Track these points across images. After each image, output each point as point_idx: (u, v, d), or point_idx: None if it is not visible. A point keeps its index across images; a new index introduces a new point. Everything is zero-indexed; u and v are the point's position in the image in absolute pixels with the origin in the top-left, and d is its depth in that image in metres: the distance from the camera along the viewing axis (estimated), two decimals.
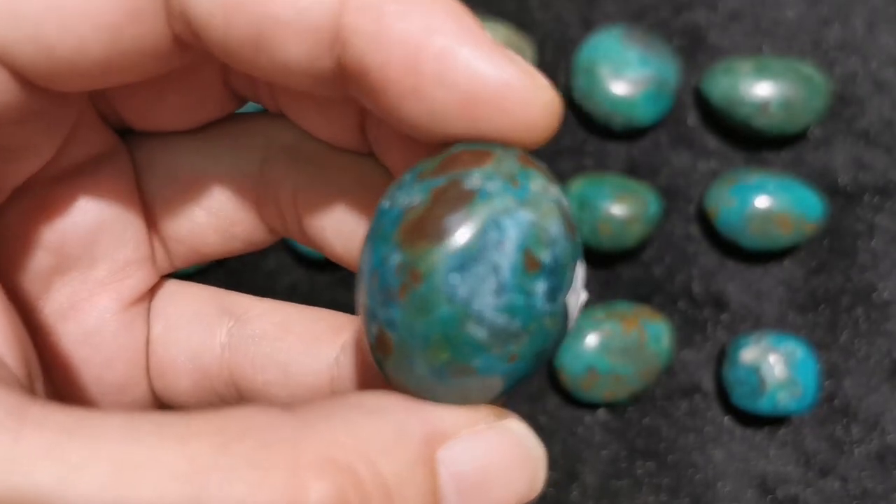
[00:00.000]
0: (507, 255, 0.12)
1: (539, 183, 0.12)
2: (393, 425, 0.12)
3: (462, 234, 0.12)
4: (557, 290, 0.12)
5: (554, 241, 0.12)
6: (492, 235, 0.12)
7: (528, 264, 0.12)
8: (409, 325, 0.12)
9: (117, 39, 0.13)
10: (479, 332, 0.12)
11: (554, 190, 0.12)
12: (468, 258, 0.12)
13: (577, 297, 0.13)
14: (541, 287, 0.12)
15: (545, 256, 0.12)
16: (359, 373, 0.16)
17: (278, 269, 0.38)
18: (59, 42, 0.13)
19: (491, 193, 0.12)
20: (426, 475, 0.12)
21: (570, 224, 0.12)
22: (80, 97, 0.16)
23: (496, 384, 0.12)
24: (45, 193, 0.16)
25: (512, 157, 0.12)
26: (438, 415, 0.12)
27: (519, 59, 0.12)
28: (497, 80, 0.12)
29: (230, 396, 0.18)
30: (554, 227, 0.12)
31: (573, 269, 0.12)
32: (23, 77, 0.13)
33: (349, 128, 0.16)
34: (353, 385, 0.16)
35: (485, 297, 0.12)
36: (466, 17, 0.12)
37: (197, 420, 0.11)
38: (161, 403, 0.18)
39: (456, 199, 0.12)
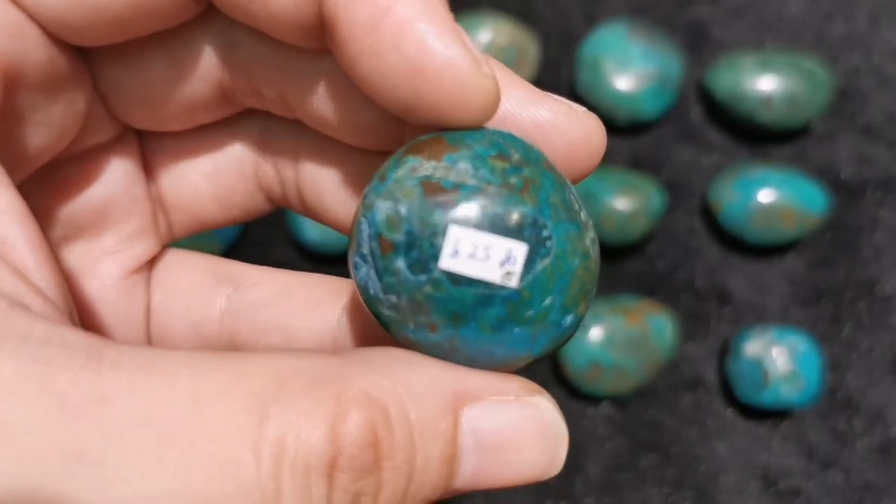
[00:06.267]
0: (369, 245, 0.13)
1: (407, 168, 0.13)
2: (426, 377, 0.13)
3: (352, 235, 0.14)
4: (424, 260, 0.13)
5: (405, 219, 0.13)
6: (361, 230, 0.13)
7: (384, 248, 0.13)
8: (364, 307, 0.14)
9: None
10: (387, 312, 0.14)
11: (428, 166, 0.13)
12: (358, 254, 0.14)
13: (479, 256, 0.13)
14: (401, 263, 0.13)
15: (397, 237, 0.13)
16: (362, 333, 0.17)
17: (284, 262, 0.38)
18: None
19: (366, 194, 0.14)
20: (448, 426, 0.13)
21: (436, 193, 0.13)
22: (90, 85, 0.16)
23: (449, 347, 0.13)
24: (58, 170, 0.17)
25: (399, 152, 0.14)
26: (470, 377, 0.13)
27: (472, 46, 0.13)
28: (443, 57, 0.13)
29: None
30: (405, 206, 0.13)
31: (442, 236, 0.13)
32: (51, 32, 0.14)
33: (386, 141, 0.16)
34: (357, 345, 0.17)
35: (374, 283, 0.13)
36: None
37: (255, 360, 0.12)
38: None
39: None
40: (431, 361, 0.13)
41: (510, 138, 0.14)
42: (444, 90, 0.13)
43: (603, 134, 0.15)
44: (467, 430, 0.13)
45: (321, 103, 0.16)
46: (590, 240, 0.14)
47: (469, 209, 0.13)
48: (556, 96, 0.15)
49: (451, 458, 0.13)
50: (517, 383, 0.14)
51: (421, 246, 0.13)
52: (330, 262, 0.38)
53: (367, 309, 0.14)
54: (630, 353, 0.36)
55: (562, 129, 0.15)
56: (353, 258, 0.14)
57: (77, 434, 0.11)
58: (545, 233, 0.13)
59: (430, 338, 0.13)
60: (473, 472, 0.13)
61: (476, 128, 0.14)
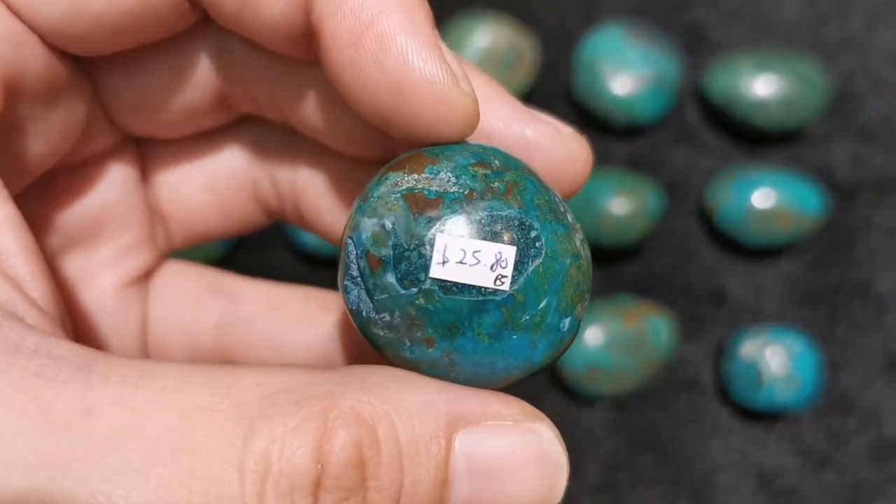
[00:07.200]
0: (358, 265, 0.13)
1: (389, 184, 0.13)
2: (421, 397, 0.13)
3: (340, 260, 0.13)
4: (414, 272, 0.13)
5: (391, 233, 0.13)
6: (349, 252, 0.13)
7: (372, 265, 0.13)
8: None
9: None
10: (381, 332, 0.13)
11: (410, 179, 0.13)
12: (347, 277, 0.13)
13: (469, 262, 0.13)
14: (391, 278, 0.13)
15: (384, 251, 0.13)
16: (353, 348, 0.17)
17: (281, 266, 0.38)
18: None
19: (350, 217, 0.13)
20: (440, 450, 0.13)
21: (420, 204, 0.13)
22: (89, 95, 0.16)
23: (448, 363, 0.13)
24: (56, 179, 0.17)
25: (380, 172, 0.14)
26: (467, 399, 0.13)
27: (453, 63, 0.13)
28: (421, 73, 0.13)
29: None
30: (389, 220, 0.13)
31: (430, 245, 0.13)
32: (50, 42, 0.14)
33: (376, 149, 0.16)
34: (346, 359, 0.17)
35: (365, 303, 0.13)
36: (418, 11, 0.13)
37: (243, 374, 0.12)
38: None
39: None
40: (428, 381, 0.13)
41: (490, 149, 0.14)
42: (422, 105, 0.13)
43: (588, 157, 0.15)
44: (460, 455, 0.13)
45: (311, 110, 0.16)
46: (579, 240, 0.14)
47: (454, 216, 0.13)
48: (543, 115, 0.15)
49: (442, 483, 0.13)
50: (516, 408, 0.13)
51: (409, 258, 0.13)
52: (327, 265, 0.38)
53: (360, 334, 0.14)
54: (627, 355, 0.36)
55: (546, 148, 0.15)
56: (342, 283, 0.13)
57: (62, 446, 0.11)
58: (534, 233, 0.13)
59: (428, 354, 0.13)
60: (467, 498, 0.13)
61: (456, 143, 0.14)
